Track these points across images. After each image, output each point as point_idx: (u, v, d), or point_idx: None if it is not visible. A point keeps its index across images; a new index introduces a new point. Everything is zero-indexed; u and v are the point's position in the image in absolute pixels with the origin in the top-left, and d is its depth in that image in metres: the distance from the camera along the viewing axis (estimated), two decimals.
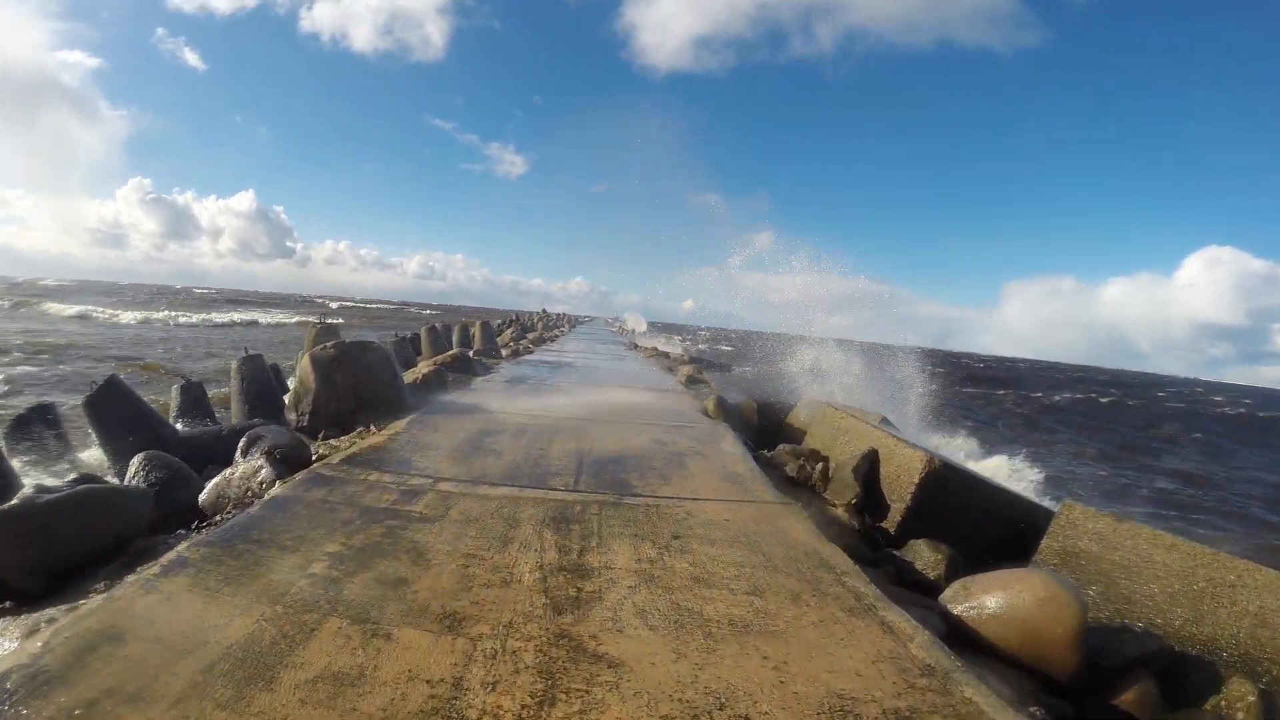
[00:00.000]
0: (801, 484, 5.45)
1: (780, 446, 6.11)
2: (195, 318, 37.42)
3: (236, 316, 41.51)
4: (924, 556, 3.80)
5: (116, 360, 17.47)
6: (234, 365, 7.70)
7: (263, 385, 7.62)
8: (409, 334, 14.51)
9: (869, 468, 5.28)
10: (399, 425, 5.25)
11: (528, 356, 13.36)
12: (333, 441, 5.38)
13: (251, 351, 7.64)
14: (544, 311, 46.91)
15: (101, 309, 37.79)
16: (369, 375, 6.14)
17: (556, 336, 23.98)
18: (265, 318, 43.16)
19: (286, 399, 6.98)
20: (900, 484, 5.01)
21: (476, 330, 15.27)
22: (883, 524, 4.88)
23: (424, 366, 7.22)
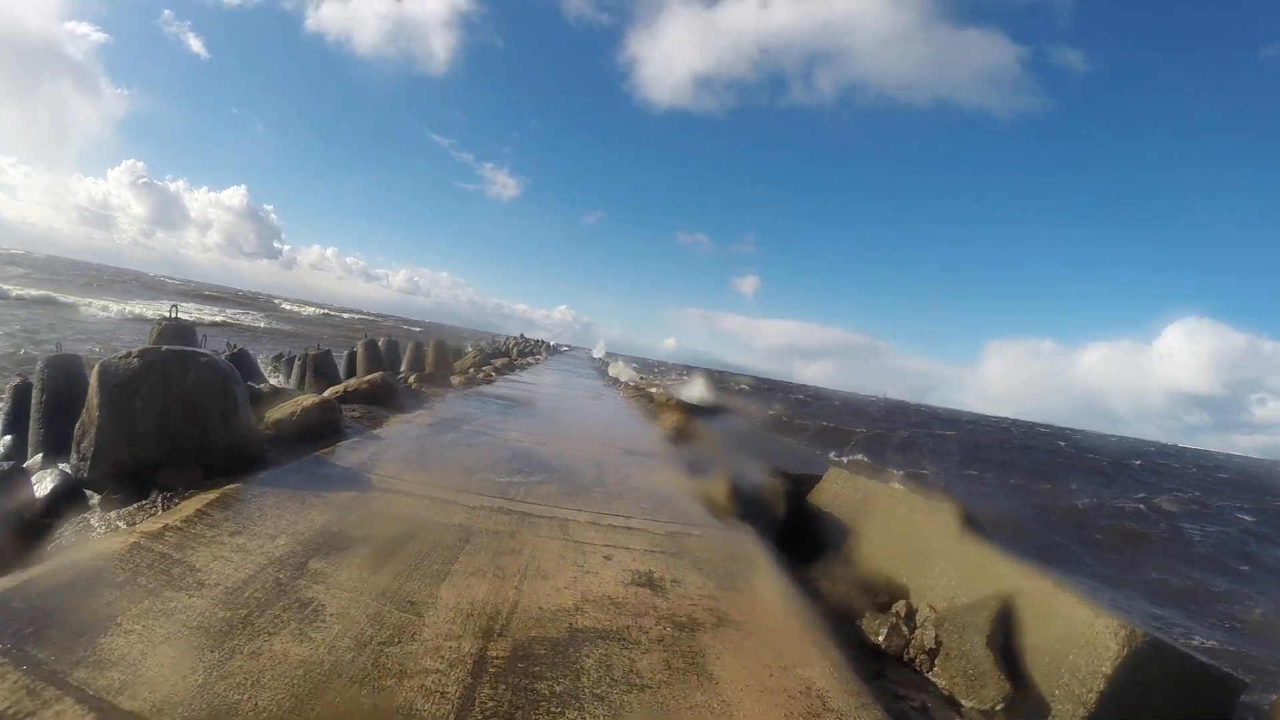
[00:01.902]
0: (895, 657, 3.22)
1: (835, 571, 3.87)
2: (125, 308, 33.73)
3: (174, 312, 37.18)
4: None
5: None
6: (36, 369, 5.32)
7: (66, 402, 5.20)
8: (349, 350, 12.10)
9: (1003, 632, 3.11)
10: (185, 508, 2.91)
11: (485, 387, 11.01)
12: (113, 515, 3.15)
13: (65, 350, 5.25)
14: (521, 336, 44.48)
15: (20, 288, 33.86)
16: (187, 407, 3.81)
17: (528, 365, 21.62)
18: (203, 316, 38.80)
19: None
20: (1068, 665, 2.82)
21: (429, 351, 12.89)
22: None
23: (306, 399, 4.92)
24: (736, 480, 4.95)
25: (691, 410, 11.42)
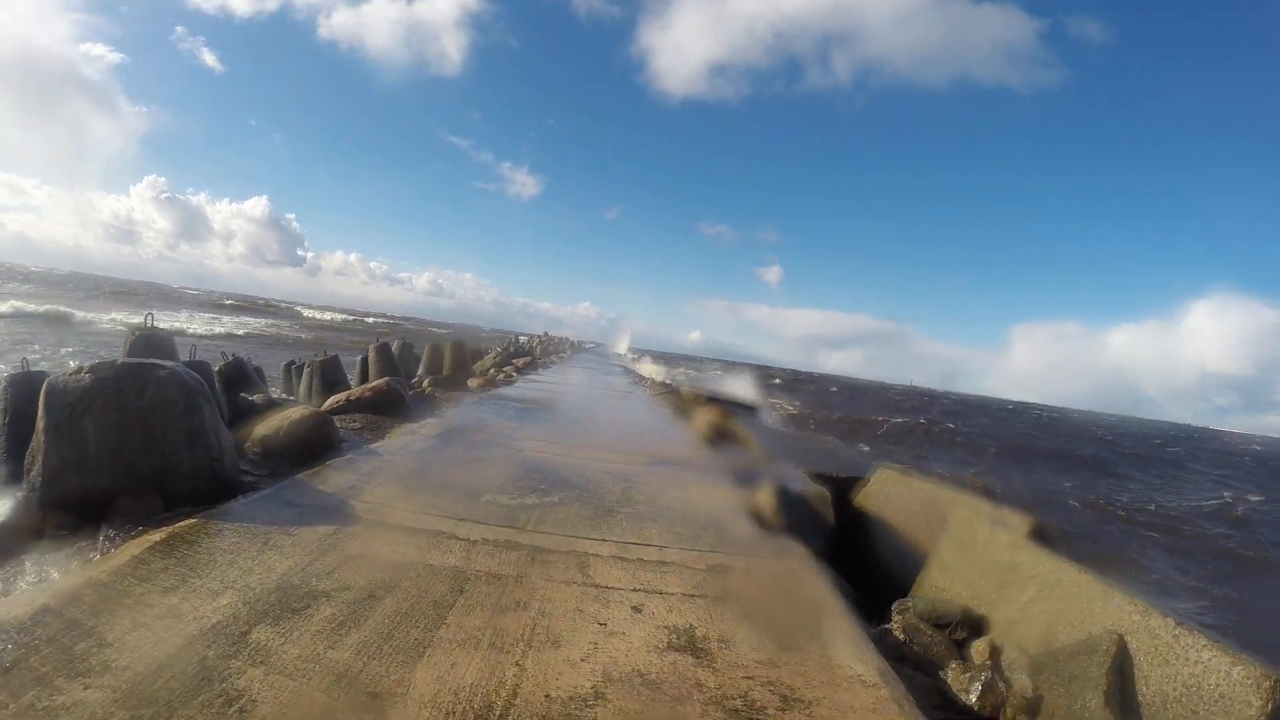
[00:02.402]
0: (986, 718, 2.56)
1: (904, 608, 3.21)
2: (140, 321, 33.85)
3: (181, 323, 36.29)
4: None
5: None
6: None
7: (31, 423, 4.77)
8: (363, 355, 11.70)
9: (1119, 683, 2.47)
10: (121, 554, 2.39)
11: (504, 389, 10.49)
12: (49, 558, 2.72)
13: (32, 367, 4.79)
14: (545, 334, 44.16)
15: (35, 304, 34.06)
16: (145, 428, 3.31)
17: (551, 364, 21.15)
18: (215, 327, 38.53)
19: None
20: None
21: (446, 353, 12.44)
22: None
23: (295, 411, 4.40)
24: (780, 489, 4.29)
25: (722, 407, 10.76)
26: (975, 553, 3.74)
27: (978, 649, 2.97)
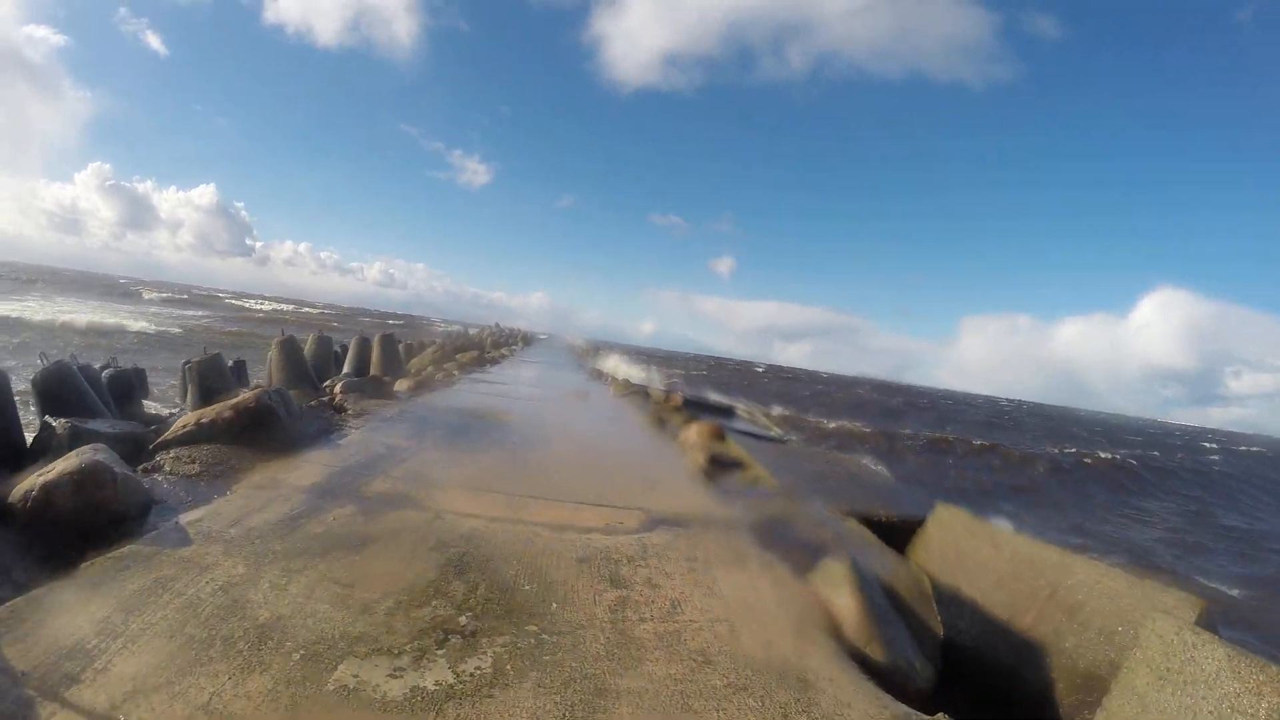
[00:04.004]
0: None
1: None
2: (59, 316, 29.09)
3: (87, 317, 30.24)
4: None
5: None
6: None
7: None
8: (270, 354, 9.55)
9: None
10: None
11: (441, 393, 8.62)
12: None
13: None
14: (495, 326, 41.77)
15: None
16: None
17: (502, 358, 19.17)
18: (133, 322, 32.38)
19: None
20: None
21: (375, 348, 10.39)
22: None
23: (64, 463, 2.57)
24: (858, 578, 2.68)
25: (705, 413, 9.16)
26: (1196, 694, 2.22)
27: None
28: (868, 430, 24.14)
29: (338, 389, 7.12)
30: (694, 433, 6.05)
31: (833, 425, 25.09)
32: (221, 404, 4.55)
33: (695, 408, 9.30)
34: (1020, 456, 23.23)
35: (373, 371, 10.07)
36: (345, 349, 11.40)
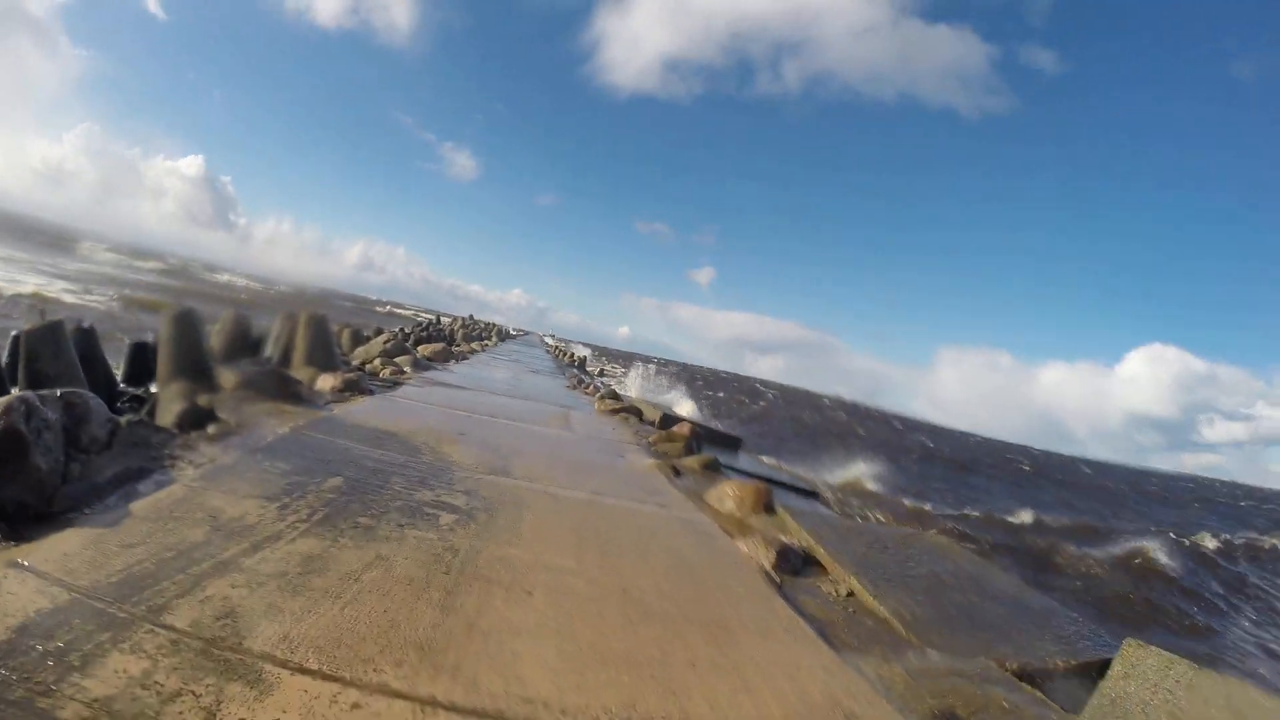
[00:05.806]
0: None
1: None
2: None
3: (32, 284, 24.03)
4: None
5: None
6: None
7: None
8: (137, 340, 7.22)
9: None
10: None
11: (373, 402, 6.52)
12: None
13: None
14: (470, 318, 39.35)
15: None
16: None
17: (472, 353, 16.99)
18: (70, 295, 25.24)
19: None
20: None
21: (300, 332, 8.19)
22: None
23: None
24: None
25: (714, 446, 7.19)
26: None
27: None
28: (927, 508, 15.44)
29: (203, 400, 4.87)
30: (731, 498, 4.05)
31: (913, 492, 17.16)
32: None
33: (708, 440, 7.31)
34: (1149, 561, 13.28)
35: (296, 362, 7.86)
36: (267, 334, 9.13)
